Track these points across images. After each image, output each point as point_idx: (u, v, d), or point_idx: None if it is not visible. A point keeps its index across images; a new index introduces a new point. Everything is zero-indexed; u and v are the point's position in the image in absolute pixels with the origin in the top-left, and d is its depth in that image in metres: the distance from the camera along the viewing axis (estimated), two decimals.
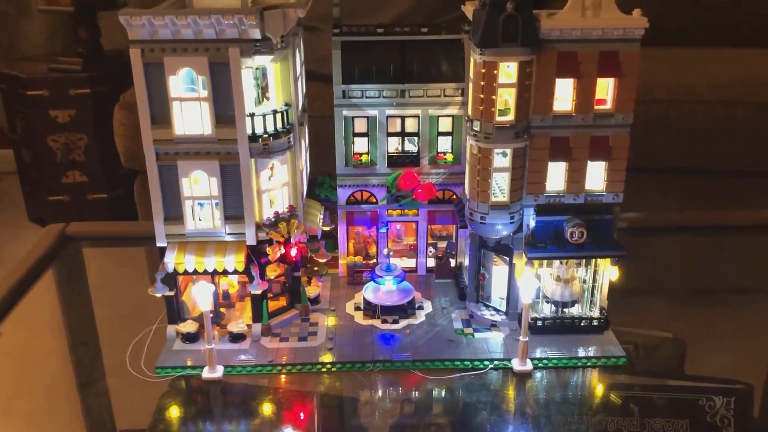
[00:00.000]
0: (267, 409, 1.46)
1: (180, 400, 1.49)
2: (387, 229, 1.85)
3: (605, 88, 1.51)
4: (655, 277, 1.96)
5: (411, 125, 1.74)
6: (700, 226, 2.20)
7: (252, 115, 1.50)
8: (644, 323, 1.75)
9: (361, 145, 1.76)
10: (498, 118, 1.48)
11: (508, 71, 1.47)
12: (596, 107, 1.51)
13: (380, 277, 1.73)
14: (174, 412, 1.46)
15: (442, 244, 1.90)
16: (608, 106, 1.52)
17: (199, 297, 1.45)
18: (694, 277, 2.03)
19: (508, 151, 1.51)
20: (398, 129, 1.75)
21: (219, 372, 1.52)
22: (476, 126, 1.51)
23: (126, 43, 1.42)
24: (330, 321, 1.70)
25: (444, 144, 1.77)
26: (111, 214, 3.43)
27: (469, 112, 1.54)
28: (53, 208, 3.45)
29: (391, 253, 1.76)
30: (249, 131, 1.49)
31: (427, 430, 1.43)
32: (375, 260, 1.87)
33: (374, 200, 1.82)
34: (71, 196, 3.49)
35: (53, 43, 3.77)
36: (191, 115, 1.47)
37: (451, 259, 1.88)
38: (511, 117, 1.48)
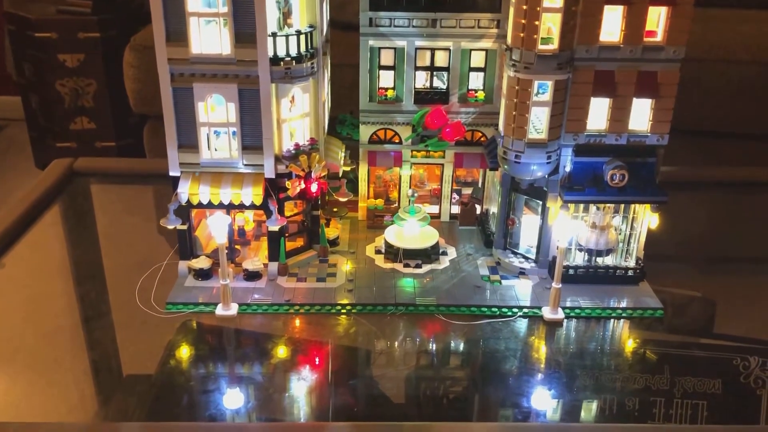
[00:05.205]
0: (282, 351, 1.38)
1: (191, 338, 1.41)
2: (411, 171, 1.75)
3: (656, 19, 1.40)
4: (682, 235, 1.86)
5: (441, 59, 1.63)
6: (731, 182, 2.10)
7: (274, 35, 1.40)
8: (672, 281, 1.66)
9: (386, 79, 1.66)
10: (540, 47, 1.37)
11: None
12: (646, 39, 1.40)
13: (403, 219, 1.63)
14: (184, 351, 1.38)
15: (467, 190, 1.81)
16: (658, 38, 1.40)
17: (215, 228, 1.36)
18: (722, 236, 1.93)
19: (549, 83, 1.40)
20: (427, 63, 1.64)
21: (233, 310, 1.44)
22: (516, 55, 1.40)
23: None
24: (349, 264, 1.61)
25: (475, 81, 1.66)
26: None
27: (509, 41, 1.43)
28: (60, 156, 3.35)
29: (416, 195, 1.66)
30: (270, 53, 1.39)
31: (454, 376, 1.36)
32: (396, 205, 1.78)
33: (398, 140, 1.72)
34: (79, 143, 3.40)
35: None
36: (209, 33, 1.37)
37: (477, 206, 1.78)
38: (554, 46, 1.37)
